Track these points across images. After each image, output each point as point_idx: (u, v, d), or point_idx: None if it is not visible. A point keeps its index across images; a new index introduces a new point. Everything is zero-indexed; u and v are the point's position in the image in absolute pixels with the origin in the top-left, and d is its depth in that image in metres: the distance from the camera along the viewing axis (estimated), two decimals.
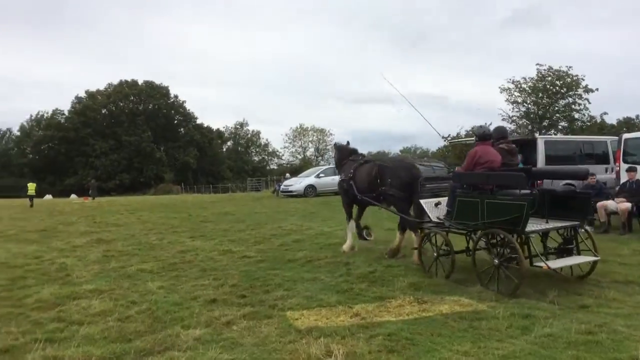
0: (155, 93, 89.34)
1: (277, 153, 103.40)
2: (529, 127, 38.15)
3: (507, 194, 6.37)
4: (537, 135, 23.14)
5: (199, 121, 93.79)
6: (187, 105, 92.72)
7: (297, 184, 29.80)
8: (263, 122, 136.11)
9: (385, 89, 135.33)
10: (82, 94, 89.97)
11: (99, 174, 77.27)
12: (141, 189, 75.93)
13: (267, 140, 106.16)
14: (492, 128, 7.59)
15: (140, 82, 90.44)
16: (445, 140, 31.12)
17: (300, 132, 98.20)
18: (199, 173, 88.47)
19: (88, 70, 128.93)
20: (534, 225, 6.54)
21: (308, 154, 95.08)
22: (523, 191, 6.26)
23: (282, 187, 31.43)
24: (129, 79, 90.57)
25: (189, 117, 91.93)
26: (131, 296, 6.47)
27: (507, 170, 6.88)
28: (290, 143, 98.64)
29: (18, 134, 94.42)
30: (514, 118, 39.01)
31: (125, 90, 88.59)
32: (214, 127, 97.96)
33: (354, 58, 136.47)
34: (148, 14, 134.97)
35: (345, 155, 9.96)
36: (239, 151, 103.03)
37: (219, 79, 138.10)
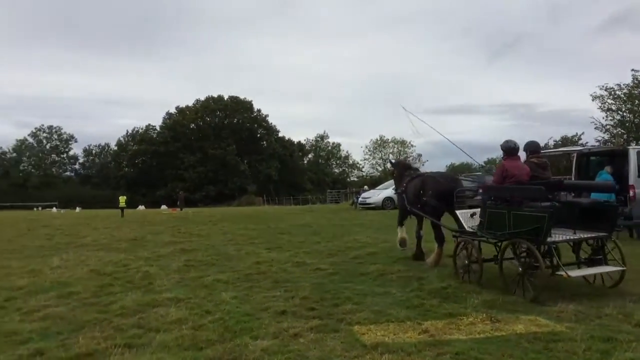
0: (239, 108, 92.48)
1: (358, 165, 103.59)
2: (624, 136, 35.83)
3: (530, 206, 6.68)
4: (631, 145, 21.67)
5: (280, 134, 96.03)
6: (270, 119, 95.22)
7: (375, 196, 29.70)
8: (344, 134, 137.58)
9: (468, 99, 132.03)
10: (173, 110, 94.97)
11: (187, 185, 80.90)
12: (226, 200, 78.64)
13: (347, 152, 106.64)
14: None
15: (225, 97, 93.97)
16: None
17: (380, 144, 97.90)
18: (280, 185, 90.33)
19: (178, 87, 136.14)
20: (559, 236, 6.86)
21: (388, 165, 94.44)
22: (544, 203, 6.54)
23: (360, 199, 31.41)
24: (215, 95, 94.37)
25: (271, 131, 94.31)
26: (206, 305, 6.68)
27: (534, 183, 7.12)
28: (370, 155, 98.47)
29: (115, 148, 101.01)
30: (608, 127, 36.82)
31: (212, 105, 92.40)
32: (295, 139, 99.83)
33: (436, 68, 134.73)
34: (234, 33, 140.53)
35: (401, 170, 10.82)
36: (320, 163, 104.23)
37: (300, 93, 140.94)
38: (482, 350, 4.69)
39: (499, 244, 7.46)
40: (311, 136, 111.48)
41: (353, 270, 9.13)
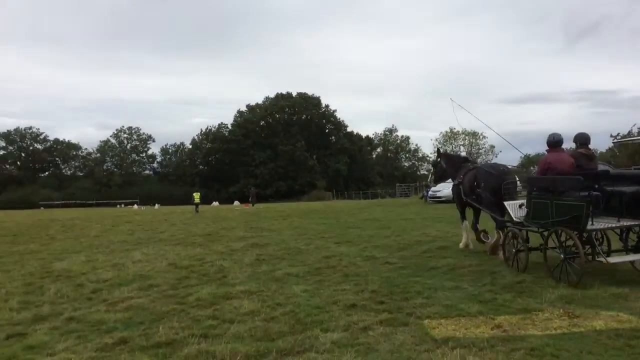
0: (308, 104, 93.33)
1: (427, 158, 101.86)
2: None
3: (570, 196, 6.99)
4: None
5: (349, 129, 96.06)
6: (338, 114, 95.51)
7: (445, 189, 29.11)
8: (413, 127, 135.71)
9: (543, 88, 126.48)
10: (243, 108, 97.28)
11: (258, 182, 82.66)
12: (295, 195, 79.67)
13: (416, 145, 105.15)
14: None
15: (294, 94, 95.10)
16: (613, 140, 28.37)
17: (450, 136, 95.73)
18: (349, 180, 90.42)
19: (249, 85, 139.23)
20: (601, 224, 7.04)
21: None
22: (582, 193, 6.85)
23: (430, 192, 30.90)
24: (284, 92, 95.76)
25: (339, 126, 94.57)
26: (277, 298, 6.83)
27: (577, 174, 7.36)
28: (440, 147, 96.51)
29: (190, 147, 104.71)
30: None
31: (281, 102, 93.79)
32: (364, 134, 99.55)
33: (509, 56, 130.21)
34: (301, 29, 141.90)
35: (457, 163, 11.19)
36: (389, 157, 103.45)
37: (368, 87, 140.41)
38: (558, 347, 4.53)
39: (545, 233, 7.72)
40: (380, 130, 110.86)
41: (423, 264, 9.04)
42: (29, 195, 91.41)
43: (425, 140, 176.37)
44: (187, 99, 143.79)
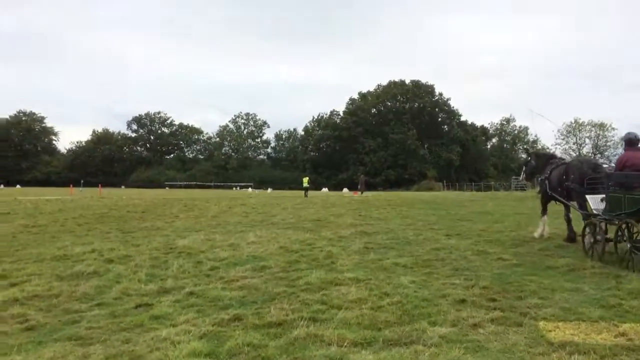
0: (420, 92, 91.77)
1: (548, 150, 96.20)
2: None
3: None
4: None
5: (462, 118, 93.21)
6: (452, 103, 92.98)
7: None
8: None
9: None
10: (355, 95, 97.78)
11: (367, 169, 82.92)
12: (405, 184, 78.99)
13: (536, 136, 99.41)
14: None
15: (407, 81, 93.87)
16: None
17: (575, 128, 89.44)
18: (461, 170, 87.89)
19: (361, 73, 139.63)
20: None
21: (584, 150, 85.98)
22: None
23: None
24: (397, 79, 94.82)
25: (452, 115, 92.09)
26: (385, 287, 6.84)
27: None
28: (563, 139, 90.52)
29: (302, 133, 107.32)
30: None
31: (393, 90, 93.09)
32: (478, 123, 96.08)
33: None
34: (416, 13, 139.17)
35: (545, 159, 11.91)
36: (504, 148, 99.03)
37: (485, 75, 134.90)
38: None
39: (618, 224, 8.20)
40: (496, 120, 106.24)
41: (539, 262, 8.59)
42: (156, 176, 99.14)
43: (546, 132, 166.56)
44: (301, 86, 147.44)
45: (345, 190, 62.18)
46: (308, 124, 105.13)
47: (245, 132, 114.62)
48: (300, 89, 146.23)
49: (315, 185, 78.53)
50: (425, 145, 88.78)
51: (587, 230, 8.99)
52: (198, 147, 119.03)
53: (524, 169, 13.04)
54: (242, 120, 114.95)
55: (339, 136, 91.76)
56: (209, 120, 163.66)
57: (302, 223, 15.76)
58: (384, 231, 13.23)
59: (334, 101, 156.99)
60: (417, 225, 14.75)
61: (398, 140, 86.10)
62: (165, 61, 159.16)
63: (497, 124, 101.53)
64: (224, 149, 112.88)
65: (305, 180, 41.71)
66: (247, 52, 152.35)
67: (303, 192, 40.71)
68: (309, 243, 11.07)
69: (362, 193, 44.82)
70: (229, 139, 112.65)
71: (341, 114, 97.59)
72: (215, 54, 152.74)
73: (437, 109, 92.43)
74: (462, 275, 7.61)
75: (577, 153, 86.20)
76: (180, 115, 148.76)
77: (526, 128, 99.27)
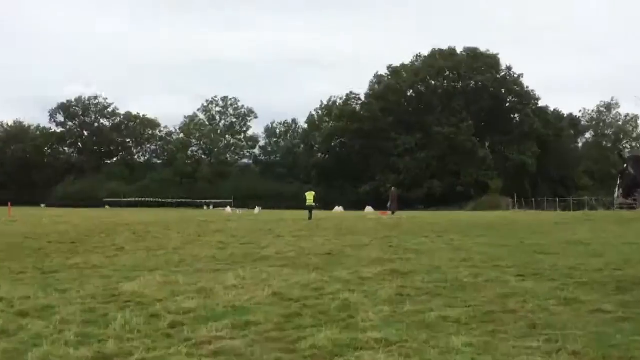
0: (479, 65, 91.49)
1: None
2: None
3: None
4: None
5: (541, 103, 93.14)
6: (525, 81, 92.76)
7: None
8: None
9: None
10: (383, 71, 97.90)
11: (401, 179, 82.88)
12: (456, 201, 78.87)
13: None
14: None
15: (459, 50, 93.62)
16: None
17: None
18: (540, 179, 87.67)
19: (390, 39, 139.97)
20: None
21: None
22: None
23: None
24: (443, 47, 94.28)
25: (526, 98, 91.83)
26: (428, 353, 6.79)
27: None
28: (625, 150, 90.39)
29: (305, 126, 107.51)
30: None
31: (439, 62, 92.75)
32: (565, 111, 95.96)
33: None
34: None
35: None
36: (604, 147, 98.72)
37: (573, 43, 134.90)
38: None
39: None
40: (590, 106, 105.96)
41: None
42: (92, 189, 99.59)
43: None
44: (303, 60, 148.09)
45: (368, 209, 62.17)
46: (314, 113, 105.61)
47: (222, 124, 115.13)
48: (301, 64, 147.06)
49: (325, 203, 78.42)
50: (487, 144, 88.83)
51: None
52: (153, 147, 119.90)
53: (618, 181, 12.80)
54: (218, 108, 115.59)
55: (359, 130, 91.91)
56: (170, 108, 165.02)
57: (306, 258, 15.76)
58: (426, 270, 13.21)
59: (352, 80, 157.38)
60: (475, 260, 14.73)
61: (446, 135, 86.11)
62: (103, 25, 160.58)
63: (592, 112, 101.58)
64: (191, 149, 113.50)
65: (310, 195, 41.81)
66: (226, 15, 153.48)
67: (307, 212, 40.73)
68: (316, 288, 11.05)
69: (393, 213, 44.74)
70: (198, 134, 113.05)
71: (362, 97, 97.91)
72: (179, 17, 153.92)
73: (503, 90, 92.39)
74: (543, 334, 7.56)
75: None
76: (128, 101, 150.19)
77: (636, 117, 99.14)
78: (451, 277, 12.20)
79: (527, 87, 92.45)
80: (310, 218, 38.58)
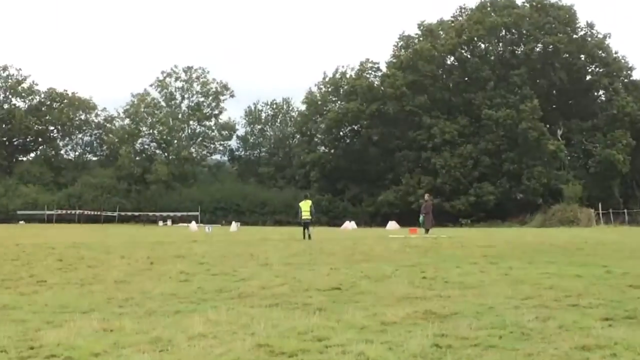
0: (548, 21, 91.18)
1: None
2: None
3: None
4: None
5: (635, 76, 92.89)
6: (613, 45, 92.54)
7: None
8: None
9: None
10: (412, 31, 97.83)
11: (438, 183, 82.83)
12: (516, 213, 78.90)
13: None
14: None
15: (519, 1, 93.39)
16: None
17: None
18: (635, 183, 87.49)
19: None
20: None
21: None
22: None
23: None
24: None
25: (615, 68, 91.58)
26: None
27: None
28: None
29: (302, 108, 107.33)
30: None
31: (491, 18, 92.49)
32: None
33: None
34: None
35: None
36: None
37: None
38: None
39: None
40: None
41: None
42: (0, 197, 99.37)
43: None
44: (298, 13, 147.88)
45: (392, 224, 62.24)
46: (314, 90, 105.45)
47: (184, 106, 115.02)
48: (295, 19, 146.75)
49: (331, 217, 78.68)
50: (559, 133, 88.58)
51: None
52: (87, 139, 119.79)
53: None
54: (179, 83, 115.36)
55: (377, 112, 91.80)
56: (112, 84, 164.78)
57: (304, 295, 15.74)
58: (474, 310, 13.20)
59: (368, 43, 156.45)
60: (543, 298, 14.72)
61: (502, 121, 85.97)
62: None
63: None
64: (140, 141, 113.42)
65: (306, 206, 41.76)
66: None
67: (302, 229, 40.72)
68: (319, 337, 11.03)
69: (427, 231, 44.67)
70: (150, 120, 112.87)
71: (383, 67, 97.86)
72: None
73: (582, 57, 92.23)
74: None
75: None
76: (51, 75, 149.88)
77: None
78: (509, 320, 12.18)
79: (616, 53, 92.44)
80: (308, 237, 38.55)
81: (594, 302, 14.14)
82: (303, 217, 41.32)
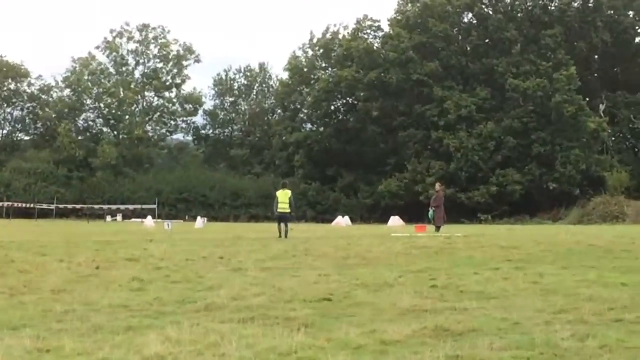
0: None
1: None
2: None
3: None
4: None
5: None
6: None
7: None
8: None
9: None
10: None
11: (452, 169, 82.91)
12: (547, 207, 79.09)
13: None
14: None
15: None
16: None
17: None
18: None
19: None
20: None
21: None
22: None
23: None
24: None
25: None
26: None
27: None
28: None
29: (285, 77, 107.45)
30: None
31: None
32: None
33: None
34: None
35: None
36: None
37: None
38: None
39: None
40: None
41: None
42: None
43: None
44: None
45: (394, 220, 62.38)
46: (299, 54, 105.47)
47: (138, 73, 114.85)
48: None
49: (319, 210, 78.68)
50: (601, 107, 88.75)
51: None
52: (18, 113, 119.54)
53: None
54: (132, 45, 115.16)
55: (378, 82, 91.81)
56: (48, 46, 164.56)
57: (286, 307, 15.74)
58: (496, 327, 13.24)
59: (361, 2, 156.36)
60: (581, 311, 14.75)
61: (531, 92, 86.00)
62: None
63: None
64: (84, 116, 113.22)
65: (284, 196, 41.91)
66: None
67: (276, 224, 41.05)
68: (305, 358, 11.06)
69: (438, 229, 44.76)
70: (96, 91, 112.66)
71: (384, 26, 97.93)
72: None
73: (630, 14, 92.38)
74: None
75: None
76: None
77: None
78: (540, 339, 12.21)
79: None
80: (284, 235, 38.91)
81: None
82: (280, 210, 41.35)
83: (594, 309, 15.02)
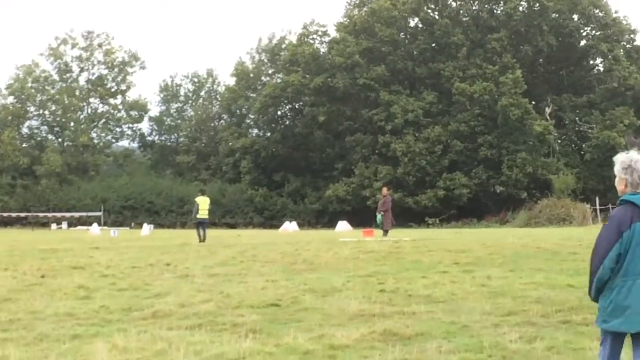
0: None
1: None
2: None
3: None
4: None
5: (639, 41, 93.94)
6: (612, 4, 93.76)
7: None
8: None
9: None
10: None
11: (399, 173, 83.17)
12: (494, 210, 79.42)
13: None
14: None
15: None
16: None
17: None
18: None
19: None
20: None
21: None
22: None
23: None
24: None
25: (616, 32, 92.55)
26: None
27: None
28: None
29: (231, 82, 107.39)
30: None
31: None
32: None
33: None
34: None
35: None
36: None
37: None
38: None
39: None
40: None
41: None
42: None
43: None
44: None
45: (342, 225, 62.41)
46: (246, 60, 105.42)
47: (83, 80, 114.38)
48: None
49: (266, 216, 78.69)
50: (547, 110, 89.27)
51: None
52: None
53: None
54: (76, 52, 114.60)
55: (325, 88, 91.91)
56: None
57: (234, 313, 15.73)
58: (444, 331, 13.30)
59: (311, 3, 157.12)
60: (529, 313, 14.86)
61: (477, 96, 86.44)
62: None
63: None
64: (28, 123, 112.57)
65: (206, 204, 42.82)
66: None
67: (195, 229, 42.03)
68: None
69: (385, 233, 44.85)
70: (40, 98, 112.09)
71: (331, 32, 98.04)
72: None
73: (575, 17, 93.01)
74: None
75: None
76: None
77: None
78: (489, 342, 12.28)
79: (616, 13, 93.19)
80: (202, 239, 40.74)
81: (590, 317, 14.23)
82: (199, 216, 42.18)
83: (542, 311, 15.13)
